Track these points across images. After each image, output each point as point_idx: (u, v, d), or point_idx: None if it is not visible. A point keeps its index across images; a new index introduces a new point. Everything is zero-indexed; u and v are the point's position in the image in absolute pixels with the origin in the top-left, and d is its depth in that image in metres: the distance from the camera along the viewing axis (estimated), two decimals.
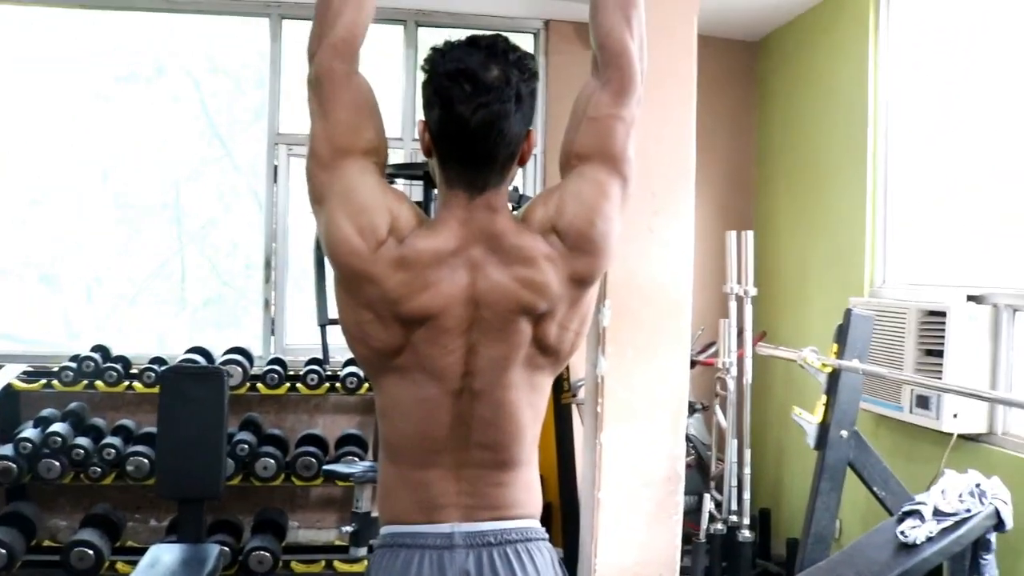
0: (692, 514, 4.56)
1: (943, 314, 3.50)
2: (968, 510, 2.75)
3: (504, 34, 1.56)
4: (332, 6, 1.56)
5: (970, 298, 3.52)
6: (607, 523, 4.06)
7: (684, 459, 4.18)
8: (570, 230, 1.52)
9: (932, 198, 4.03)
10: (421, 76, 1.53)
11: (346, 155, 1.51)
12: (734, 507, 4.32)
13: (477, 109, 1.45)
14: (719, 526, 4.34)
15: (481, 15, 5.16)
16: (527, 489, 1.62)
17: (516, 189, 4.63)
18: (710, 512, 4.38)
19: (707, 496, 4.41)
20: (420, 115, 1.55)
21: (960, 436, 3.42)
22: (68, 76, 5.27)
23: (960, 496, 2.79)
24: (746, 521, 4.30)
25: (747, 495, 4.31)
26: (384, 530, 1.60)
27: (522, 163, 1.56)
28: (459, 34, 1.55)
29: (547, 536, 1.63)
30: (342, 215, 1.49)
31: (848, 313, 3.38)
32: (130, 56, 5.36)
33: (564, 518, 4.46)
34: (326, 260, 1.56)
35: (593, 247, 1.54)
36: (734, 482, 4.33)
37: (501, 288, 1.50)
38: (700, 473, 4.77)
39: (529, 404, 1.58)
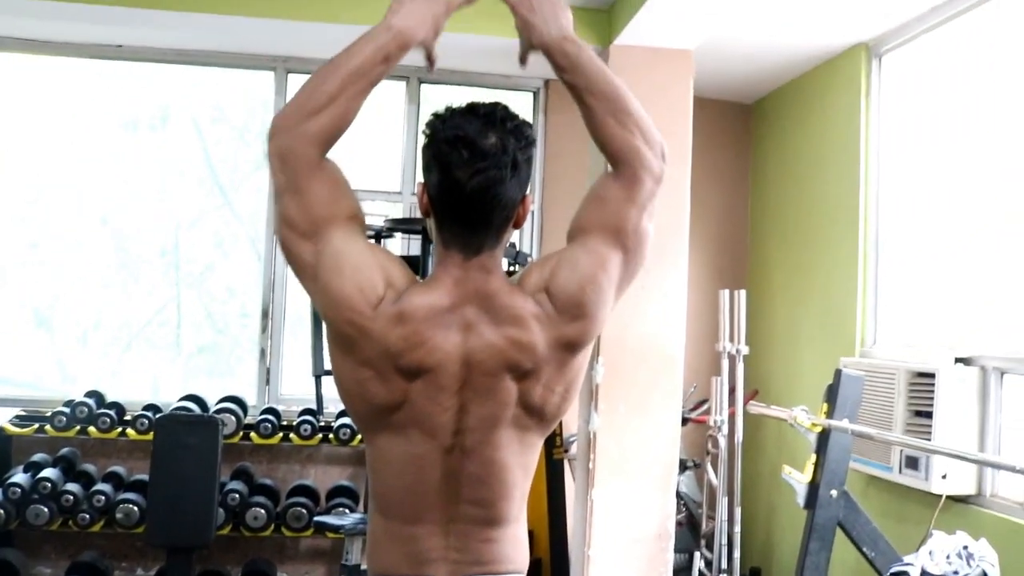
0: (682, 572, 4.55)
1: (932, 376, 3.54)
2: (956, 572, 2.76)
3: (503, 97, 1.62)
4: (326, 93, 1.53)
5: (958, 360, 3.56)
6: None
7: (675, 516, 4.19)
8: (560, 294, 1.56)
9: (922, 260, 4.09)
10: (422, 140, 1.58)
11: (329, 222, 1.54)
12: (724, 565, 4.31)
13: (474, 175, 1.50)
14: None
15: (482, 73, 5.25)
16: (515, 545, 1.64)
17: (513, 245, 4.69)
18: (700, 570, 4.37)
19: (697, 554, 4.41)
20: (420, 173, 1.60)
21: (949, 497, 3.44)
22: (72, 121, 5.35)
23: (948, 558, 2.80)
24: None
25: (737, 553, 4.31)
26: None
27: (517, 226, 1.61)
28: (460, 91, 1.61)
29: None
30: (338, 277, 1.52)
31: (838, 373, 3.41)
32: (135, 103, 5.45)
33: (554, 574, 4.44)
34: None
35: (582, 312, 1.56)
36: (724, 540, 4.33)
37: (490, 347, 1.53)
38: (691, 531, 4.76)
39: (519, 462, 1.60)
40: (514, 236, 5.09)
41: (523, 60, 1.73)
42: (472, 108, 1.55)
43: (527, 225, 5.35)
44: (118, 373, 5.43)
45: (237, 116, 5.68)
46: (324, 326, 1.61)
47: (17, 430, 4.67)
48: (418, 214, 4.92)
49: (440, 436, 1.55)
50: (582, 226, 1.63)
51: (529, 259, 4.26)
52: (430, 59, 1.66)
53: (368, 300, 1.51)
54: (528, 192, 1.60)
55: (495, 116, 1.54)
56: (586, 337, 1.59)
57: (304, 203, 1.53)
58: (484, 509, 1.59)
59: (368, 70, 1.56)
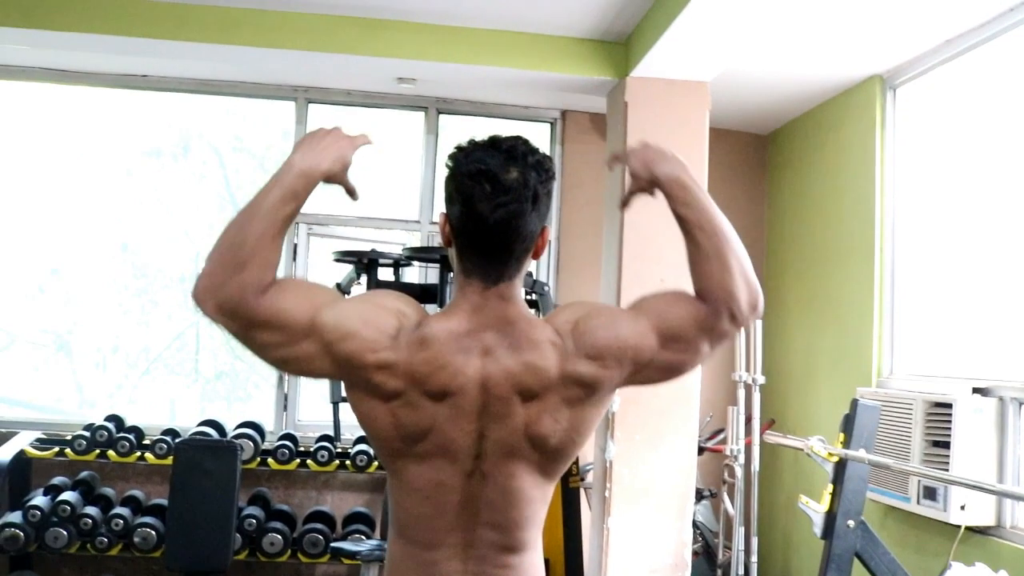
0: None
1: (950, 406, 3.54)
2: None
3: (521, 127, 1.65)
4: (245, 245, 1.51)
5: (976, 390, 3.56)
6: None
7: (691, 545, 4.17)
8: (587, 334, 1.58)
9: (939, 290, 4.09)
10: (444, 172, 1.62)
11: (315, 318, 1.53)
12: None
13: (496, 208, 1.54)
14: None
15: (501, 104, 5.32)
16: (532, 571, 1.65)
17: (531, 275, 4.73)
18: None
19: None
20: (438, 203, 1.64)
21: (968, 528, 3.43)
22: (96, 149, 5.45)
23: None
24: None
25: None
26: None
27: (536, 256, 1.64)
28: (478, 122, 1.64)
29: None
30: (351, 339, 1.52)
31: (854, 403, 3.42)
32: (158, 132, 5.54)
33: None
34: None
35: (599, 357, 1.57)
36: (741, 570, 4.30)
37: (506, 372, 1.55)
38: (707, 561, 4.74)
39: (533, 490, 1.61)
40: (531, 266, 5.12)
41: (626, 204, 1.76)
42: (494, 142, 1.58)
43: (544, 256, 5.37)
44: (136, 398, 5.48)
45: (257, 145, 5.76)
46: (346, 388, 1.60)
47: (38, 453, 4.71)
48: (436, 243, 4.99)
49: (462, 461, 1.56)
50: (643, 306, 1.64)
51: (546, 288, 4.28)
52: (348, 191, 1.67)
53: (388, 334, 1.53)
54: (547, 224, 1.63)
55: (517, 151, 1.57)
56: (597, 383, 1.58)
57: (277, 326, 1.52)
58: (501, 535, 1.60)
59: (278, 212, 1.54)
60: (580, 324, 1.59)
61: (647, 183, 1.67)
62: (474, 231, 1.57)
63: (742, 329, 1.67)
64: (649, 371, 1.61)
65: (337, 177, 1.62)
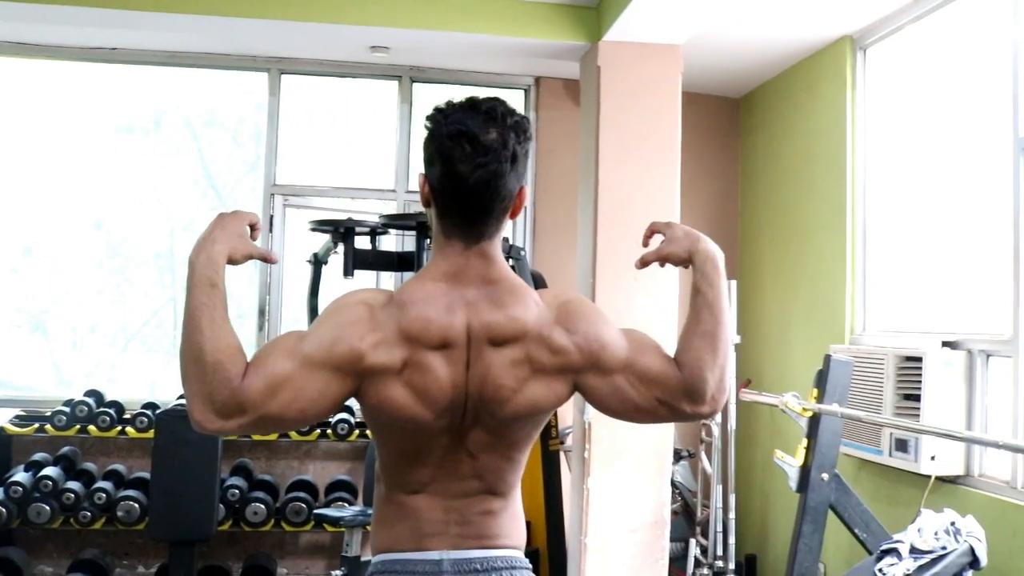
0: (679, 561, 4.60)
1: (920, 360, 3.61)
2: (944, 548, 2.83)
3: (496, 93, 1.67)
4: (207, 353, 1.51)
5: (945, 344, 3.63)
6: (594, 568, 4.11)
7: (670, 504, 4.24)
8: (571, 314, 1.62)
9: (909, 247, 4.16)
10: (423, 133, 1.63)
11: (298, 356, 1.54)
12: (720, 552, 4.37)
13: (476, 168, 1.56)
14: (705, 571, 4.38)
15: (474, 72, 5.32)
16: (513, 520, 1.69)
17: (506, 239, 4.75)
18: (696, 557, 4.43)
19: (693, 542, 4.46)
20: (414, 169, 1.66)
21: (938, 478, 3.51)
22: (66, 126, 5.40)
23: (936, 534, 2.87)
24: (731, 566, 4.34)
25: (732, 540, 4.37)
26: (376, 558, 1.67)
27: (513, 216, 1.67)
28: (453, 90, 1.67)
29: (531, 567, 1.70)
30: (335, 339, 1.54)
31: (827, 359, 3.48)
32: (129, 107, 5.50)
33: (551, 564, 4.49)
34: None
35: (574, 337, 1.61)
36: (719, 527, 4.39)
37: (491, 322, 1.58)
38: (686, 519, 4.82)
39: (517, 437, 1.65)
40: (508, 231, 5.12)
41: (646, 264, 1.79)
42: (473, 104, 1.61)
43: (520, 220, 5.41)
44: (115, 377, 5.47)
45: (230, 118, 5.73)
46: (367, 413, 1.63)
47: (17, 430, 4.71)
48: (412, 211, 4.99)
49: (448, 414, 1.58)
50: (631, 333, 1.68)
51: (522, 252, 4.31)
52: (262, 259, 1.68)
53: (364, 321, 1.55)
54: (524, 184, 1.66)
55: (496, 112, 1.59)
56: (563, 354, 1.60)
57: (277, 386, 1.53)
58: (482, 482, 1.64)
59: (208, 306, 1.54)
60: (568, 304, 1.64)
61: (685, 253, 1.72)
62: (455, 191, 1.59)
63: (686, 420, 1.70)
64: (599, 382, 1.63)
65: (240, 252, 1.61)
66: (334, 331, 1.55)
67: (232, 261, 1.61)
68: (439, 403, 1.57)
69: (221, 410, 1.51)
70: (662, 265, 1.77)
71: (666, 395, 1.64)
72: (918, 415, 3.59)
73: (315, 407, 1.55)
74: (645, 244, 1.83)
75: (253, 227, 1.67)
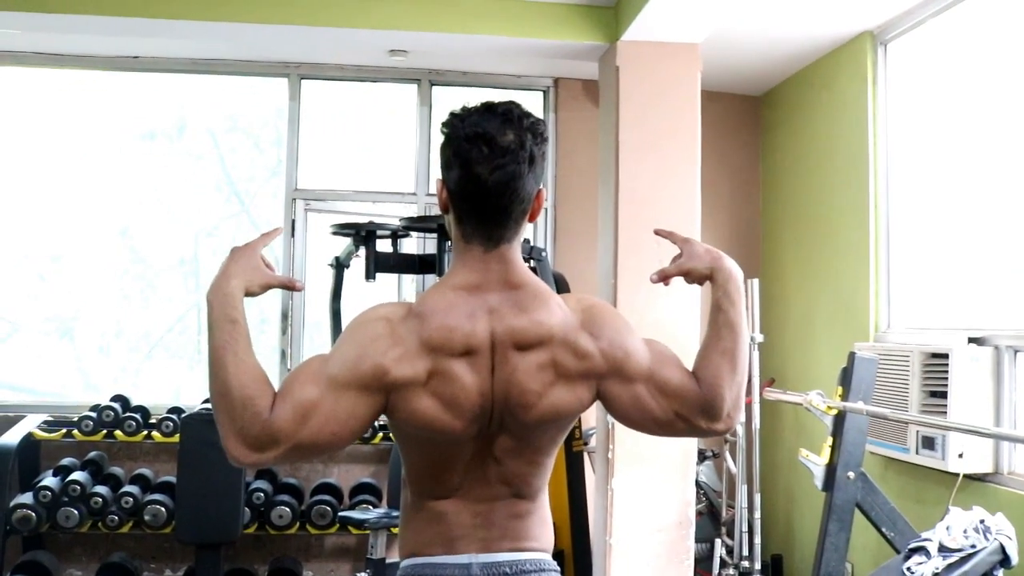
0: (704, 562, 4.58)
1: (946, 356, 3.57)
2: (973, 546, 2.80)
3: (513, 96, 1.68)
4: (234, 390, 1.52)
5: (971, 340, 3.59)
6: (619, 569, 4.10)
7: (694, 504, 4.22)
8: (596, 319, 1.63)
9: (933, 243, 4.12)
10: (440, 138, 1.64)
11: (323, 379, 1.55)
12: (745, 552, 4.34)
13: (494, 170, 1.57)
14: (731, 572, 4.35)
15: (493, 74, 5.33)
16: (541, 523, 1.70)
17: (528, 241, 4.75)
18: (721, 558, 4.41)
19: (718, 542, 4.44)
20: (434, 172, 1.67)
21: (966, 476, 3.47)
22: (90, 134, 5.45)
23: (965, 532, 2.83)
24: (757, 567, 4.31)
25: (758, 540, 4.33)
26: (404, 562, 1.68)
27: (532, 219, 1.67)
28: (472, 93, 1.67)
29: (559, 569, 1.71)
30: (359, 357, 1.55)
31: (851, 356, 3.45)
32: (152, 115, 5.54)
33: (576, 565, 4.48)
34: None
35: (599, 338, 1.62)
36: (745, 527, 4.36)
37: (515, 328, 1.58)
38: (711, 520, 4.80)
39: (542, 442, 1.66)
40: (528, 232, 5.15)
41: (665, 277, 1.78)
42: (489, 107, 1.61)
43: (541, 222, 5.41)
44: (140, 383, 5.51)
45: (252, 124, 5.77)
46: (392, 422, 1.63)
47: (46, 435, 4.76)
48: (432, 213, 5.00)
49: (476, 417, 1.59)
50: (653, 344, 1.69)
51: (544, 254, 4.31)
52: (285, 287, 1.71)
53: (386, 337, 1.56)
54: (542, 186, 1.65)
55: (512, 114, 1.60)
56: (588, 359, 1.60)
57: (307, 412, 1.54)
58: (509, 487, 1.65)
59: (231, 342, 1.56)
60: (592, 309, 1.64)
61: (707, 270, 1.73)
62: (473, 193, 1.59)
63: (710, 434, 1.71)
64: (620, 390, 1.63)
65: (256, 284, 1.64)
66: (357, 350, 1.55)
67: (250, 294, 1.63)
68: (467, 411, 1.57)
69: (255, 444, 1.52)
70: (688, 281, 1.77)
71: (684, 409, 1.65)
72: (945, 412, 3.55)
73: (347, 428, 1.55)
74: (660, 234, 1.83)
75: (269, 238, 1.71)
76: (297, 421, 1.53)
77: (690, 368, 1.69)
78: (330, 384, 1.54)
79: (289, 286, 1.71)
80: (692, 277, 1.75)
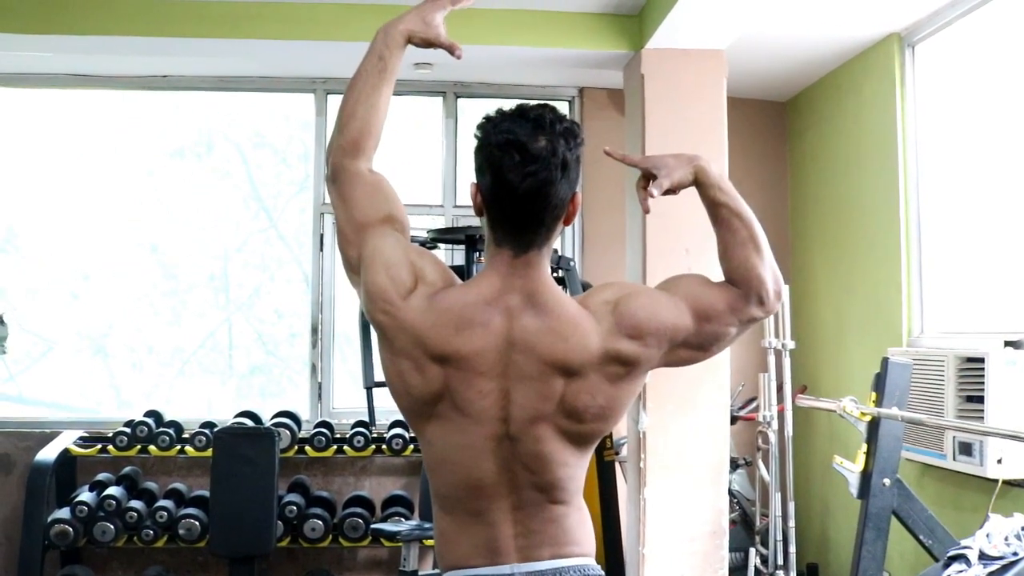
0: (739, 571, 4.54)
1: (982, 360, 3.52)
2: (1015, 553, 2.75)
3: (549, 103, 1.67)
4: (347, 108, 1.76)
5: (1008, 343, 3.53)
6: None
7: (728, 513, 4.19)
8: (627, 313, 1.62)
9: (965, 246, 4.07)
10: (471, 146, 1.65)
11: (367, 228, 1.68)
12: (780, 561, 4.29)
13: (526, 178, 1.56)
14: None
15: (518, 85, 5.35)
16: (580, 526, 1.68)
17: (556, 251, 4.74)
18: (756, 567, 4.36)
19: (752, 551, 4.40)
20: (461, 184, 1.69)
21: (1005, 482, 3.41)
22: (120, 152, 5.52)
23: (1006, 539, 2.79)
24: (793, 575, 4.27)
25: (793, 549, 4.29)
26: (447, 575, 1.66)
27: (567, 222, 1.67)
28: (497, 104, 1.67)
29: (602, 573, 1.69)
30: (372, 273, 1.64)
31: (885, 361, 3.41)
32: (181, 132, 5.61)
33: (609, 574, 4.46)
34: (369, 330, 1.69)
35: (639, 336, 1.61)
36: (779, 536, 4.31)
37: (536, 337, 1.58)
38: (745, 529, 4.75)
39: (567, 454, 1.63)
40: (556, 243, 5.13)
41: (664, 193, 1.76)
42: (522, 112, 1.61)
43: (569, 231, 5.41)
44: (172, 398, 5.56)
45: (279, 140, 5.81)
46: (373, 337, 1.71)
47: (81, 451, 4.81)
48: (460, 224, 5.01)
49: (486, 423, 1.59)
50: (678, 289, 1.69)
51: (572, 263, 4.31)
52: (443, 47, 1.81)
53: (399, 292, 1.61)
54: (578, 190, 1.64)
55: (544, 119, 1.59)
56: (637, 361, 1.62)
57: (347, 211, 1.71)
58: (544, 493, 1.63)
59: (369, 73, 1.76)
60: (620, 304, 1.62)
61: (690, 175, 1.72)
62: (504, 200, 1.60)
63: (768, 316, 1.74)
64: (681, 351, 1.66)
65: (419, 35, 1.78)
66: (380, 268, 1.64)
67: (412, 42, 1.78)
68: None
69: (329, 158, 1.76)
70: (675, 193, 1.75)
71: (736, 317, 1.68)
72: (982, 417, 3.50)
73: (347, 254, 1.70)
74: (612, 156, 1.86)
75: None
76: (343, 186, 1.73)
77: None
78: (358, 235, 1.68)
79: (451, 49, 1.81)
80: (683, 186, 1.75)
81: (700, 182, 1.72)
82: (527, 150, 1.56)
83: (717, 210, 1.71)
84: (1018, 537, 2.80)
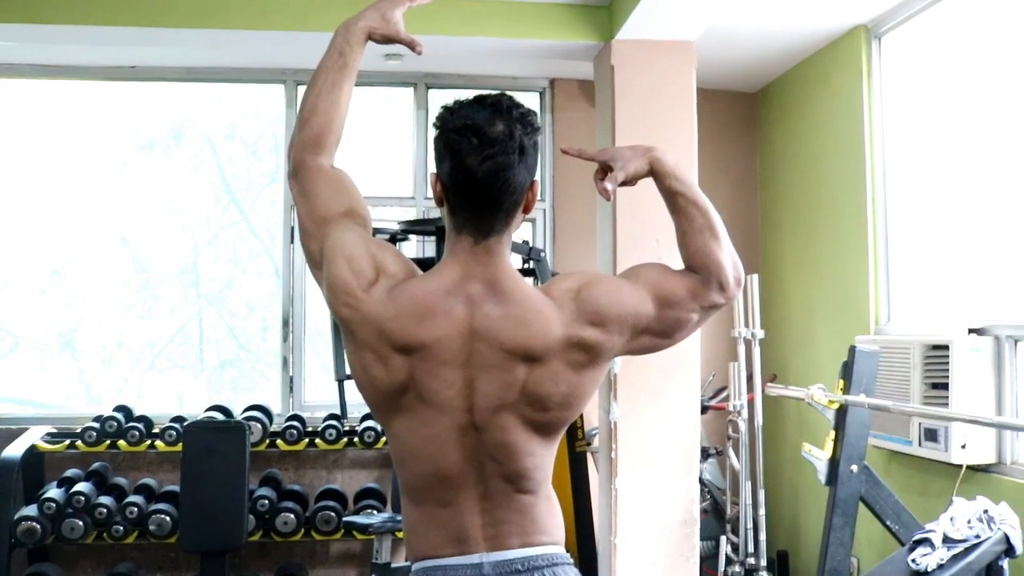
0: (710, 559, 4.58)
1: (947, 347, 3.57)
2: (977, 536, 2.80)
3: (509, 92, 1.69)
4: (307, 107, 1.78)
5: (972, 331, 3.59)
6: (625, 568, 4.10)
7: (699, 502, 4.22)
8: (589, 301, 1.63)
9: (932, 235, 4.12)
10: (433, 132, 1.66)
11: (328, 222, 1.69)
12: (751, 549, 4.33)
13: (484, 160, 1.58)
14: (737, 569, 4.35)
15: (489, 76, 5.34)
16: (549, 515, 1.69)
17: (527, 242, 4.76)
18: (727, 555, 4.40)
19: (724, 539, 4.43)
20: (432, 170, 1.69)
21: (969, 467, 3.46)
22: (88, 145, 5.46)
23: (969, 522, 2.83)
24: (763, 563, 4.31)
25: (763, 536, 4.34)
26: (415, 566, 1.66)
27: (527, 211, 1.68)
28: (468, 94, 1.68)
29: (572, 561, 1.69)
30: (334, 266, 1.64)
31: (852, 349, 3.45)
32: (150, 124, 5.55)
33: (582, 565, 4.48)
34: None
35: (602, 323, 1.62)
36: (750, 524, 4.36)
37: (498, 324, 1.59)
38: (716, 518, 4.79)
39: (533, 444, 1.64)
40: (527, 234, 5.14)
41: (623, 185, 1.76)
42: (479, 99, 1.64)
43: (540, 223, 5.42)
44: (143, 393, 5.51)
45: (249, 132, 5.77)
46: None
47: (49, 447, 4.76)
48: (431, 216, 5.01)
49: (451, 413, 1.59)
50: (639, 277, 1.70)
51: (543, 254, 4.32)
52: (403, 43, 1.84)
53: (361, 284, 1.61)
54: (536, 178, 1.66)
55: (502, 105, 1.61)
56: (599, 348, 1.63)
57: (309, 205, 1.73)
58: (511, 483, 1.63)
59: (330, 69, 1.79)
60: (582, 291, 1.63)
61: (646, 165, 1.73)
62: (464, 184, 1.60)
63: (729, 302, 1.75)
64: (644, 338, 1.67)
65: (379, 32, 1.81)
66: (341, 261, 1.65)
67: (372, 39, 1.82)
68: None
69: (290, 154, 1.79)
70: (631, 184, 1.77)
71: (697, 303, 1.69)
72: (947, 403, 3.55)
73: (309, 249, 1.71)
74: (568, 153, 1.85)
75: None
76: (305, 182, 1.75)
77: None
78: (319, 229, 1.69)
79: (411, 45, 1.85)
80: (639, 177, 1.76)
81: (656, 172, 1.74)
82: (485, 134, 1.58)
83: (674, 199, 1.73)
84: (980, 520, 2.85)
